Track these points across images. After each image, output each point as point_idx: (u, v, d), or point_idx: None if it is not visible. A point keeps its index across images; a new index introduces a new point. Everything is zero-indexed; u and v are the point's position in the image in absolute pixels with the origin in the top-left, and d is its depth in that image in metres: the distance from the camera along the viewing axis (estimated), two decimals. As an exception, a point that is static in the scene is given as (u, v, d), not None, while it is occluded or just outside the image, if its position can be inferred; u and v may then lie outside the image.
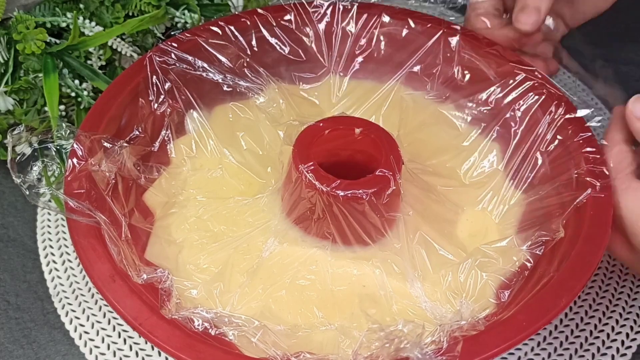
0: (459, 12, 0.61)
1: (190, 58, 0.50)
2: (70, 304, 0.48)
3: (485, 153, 0.51)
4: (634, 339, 0.47)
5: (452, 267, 0.43)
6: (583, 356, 0.46)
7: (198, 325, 0.38)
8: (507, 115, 0.51)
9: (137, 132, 0.48)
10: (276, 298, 0.43)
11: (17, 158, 0.41)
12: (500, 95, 0.51)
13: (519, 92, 0.50)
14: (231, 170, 0.50)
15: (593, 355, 0.46)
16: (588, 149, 0.45)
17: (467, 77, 0.53)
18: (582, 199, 0.43)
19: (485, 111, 0.52)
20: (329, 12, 0.54)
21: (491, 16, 0.53)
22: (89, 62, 0.54)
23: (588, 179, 0.44)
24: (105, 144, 0.44)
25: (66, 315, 0.48)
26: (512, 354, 0.46)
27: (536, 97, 0.49)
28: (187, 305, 0.40)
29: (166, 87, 0.50)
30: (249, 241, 0.45)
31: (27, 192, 0.41)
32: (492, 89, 0.51)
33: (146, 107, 0.49)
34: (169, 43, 0.50)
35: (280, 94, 0.54)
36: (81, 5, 0.55)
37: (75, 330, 0.47)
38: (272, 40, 0.54)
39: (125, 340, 0.46)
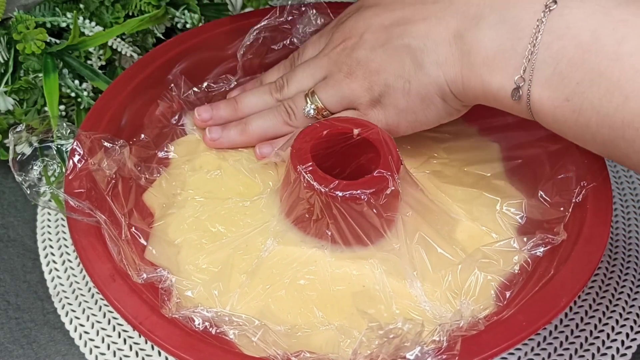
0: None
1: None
2: (70, 304, 0.48)
3: (485, 152, 0.51)
4: (634, 339, 0.47)
5: (452, 267, 0.43)
6: (583, 356, 0.46)
7: (198, 324, 0.38)
8: (507, 114, 0.51)
9: (143, 136, 0.49)
10: (276, 298, 0.43)
11: (18, 158, 0.41)
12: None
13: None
14: (230, 171, 0.49)
15: (593, 355, 0.46)
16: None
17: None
18: (581, 198, 0.43)
19: (485, 111, 0.52)
20: (326, 12, 0.54)
21: None
22: (89, 62, 0.54)
23: (587, 177, 0.44)
24: (106, 143, 0.44)
25: (66, 315, 0.48)
26: (512, 354, 0.46)
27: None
28: (187, 305, 0.40)
29: (174, 93, 0.51)
30: (248, 241, 0.45)
31: (28, 191, 0.41)
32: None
33: (157, 113, 0.50)
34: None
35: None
36: (81, 5, 0.55)
37: (75, 330, 0.47)
38: (270, 43, 0.54)
39: (125, 340, 0.46)
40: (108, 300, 0.38)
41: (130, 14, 0.55)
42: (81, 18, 0.53)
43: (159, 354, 0.46)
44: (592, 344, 0.47)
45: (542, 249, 0.43)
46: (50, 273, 0.50)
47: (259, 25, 0.52)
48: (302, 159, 0.43)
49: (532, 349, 0.46)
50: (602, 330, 0.47)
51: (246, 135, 0.49)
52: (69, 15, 0.54)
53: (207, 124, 0.51)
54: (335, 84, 0.47)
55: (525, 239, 0.44)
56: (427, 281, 0.43)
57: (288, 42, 0.54)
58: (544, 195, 0.46)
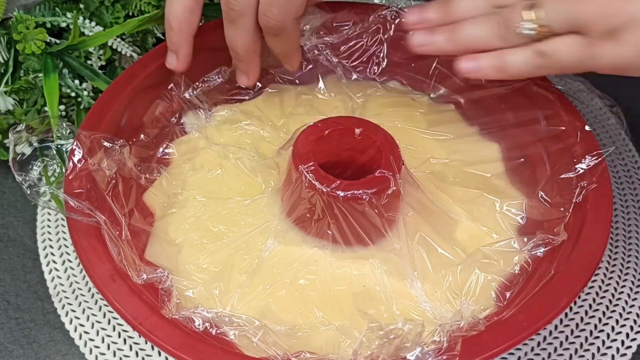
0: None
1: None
2: (70, 304, 0.48)
3: (485, 152, 0.51)
4: (634, 339, 0.47)
5: (452, 268, 0.43)
6: (583, 356, 0.46)
7: (198, 325, 0.38)
8: (507, 114, 0.51)
9: (142, 136, 0.49)
10: (276, 298, 0.43)
11: (18, 158, 0.41)
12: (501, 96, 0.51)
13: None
14: (231, 170, 0.49)
15: (593, 355, 0.46)
16: (588, 148, 0.45)
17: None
18: (581, 199, 0.43)
19: (485, 111, 0.52)
20: (327, 11, 0.54)
21: None
22: (89, 62, 0.54)
23: (587, 178, 0.44)
24: (105, 143, 0.44)
25: (66, 315, 0.48)
26: (512, 354, 0.46)
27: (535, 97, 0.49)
28: (187, 305, 0.40)
29: (173, 93, 0.51)
30: (248, 241, 0.45)
31: (28, 191, 0.41)
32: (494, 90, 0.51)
33: (157, 113, 0.50)
34: None
35: (279, 94, 0.54)
36: (81, 5, 0.55)
37: (75, 330, 0.47)
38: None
39: (125, 340, 0.46)
40: (108, 301, 0.38)
41: (130, 14, 0.55)
42: (81, 18, 0.53)
43: (159, 354, 0.46)
44: (592, 344, 0.47)
45: (542, 250, 0.43)
46: (50, 273, 0.50)
47: None
48: (304, 159, 0.43)
49: (532, 349, 0.46)
50: (602, 330, 0.47)
51: (455, 44, 0.44)
52: (69, 15, 0.54)
53: (415, 27, 0.45)
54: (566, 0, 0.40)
55: (525, 240, 0.44)
56: (427, 281, 0.43)
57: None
58: (544, 196, 0.46)
